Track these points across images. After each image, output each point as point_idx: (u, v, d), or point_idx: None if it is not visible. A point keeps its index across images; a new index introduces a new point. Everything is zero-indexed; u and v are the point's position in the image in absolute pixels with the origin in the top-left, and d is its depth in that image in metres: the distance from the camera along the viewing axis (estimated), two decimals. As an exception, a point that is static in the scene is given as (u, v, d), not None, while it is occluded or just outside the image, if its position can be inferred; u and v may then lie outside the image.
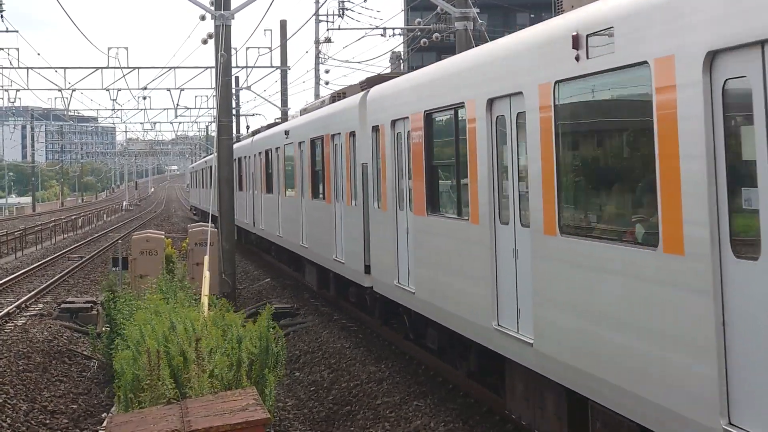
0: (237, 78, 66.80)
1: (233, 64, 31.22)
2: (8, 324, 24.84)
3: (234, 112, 59.06)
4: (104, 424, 13.83)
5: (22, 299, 29.06)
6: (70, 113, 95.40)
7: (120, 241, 31.60)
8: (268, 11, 32.85)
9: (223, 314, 14.93)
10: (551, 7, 65.39)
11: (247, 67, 56.90)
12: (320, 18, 50.70)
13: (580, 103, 10.11)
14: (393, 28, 45.11)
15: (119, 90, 62.58)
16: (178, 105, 68.59)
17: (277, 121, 40.23)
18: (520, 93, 11.10)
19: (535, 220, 10.90)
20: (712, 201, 7.69)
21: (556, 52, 10.09)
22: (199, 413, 10.21)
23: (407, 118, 15.72)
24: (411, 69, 18.86)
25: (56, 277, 35.76)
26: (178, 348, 12.17)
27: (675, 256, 8.16)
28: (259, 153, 34.72)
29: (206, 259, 21.45)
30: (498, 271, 12.26)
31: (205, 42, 31.25)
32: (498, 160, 12.13)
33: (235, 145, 35.57)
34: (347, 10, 46.84)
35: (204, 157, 47.30)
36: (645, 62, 8.43)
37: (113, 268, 24.71)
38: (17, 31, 54.44)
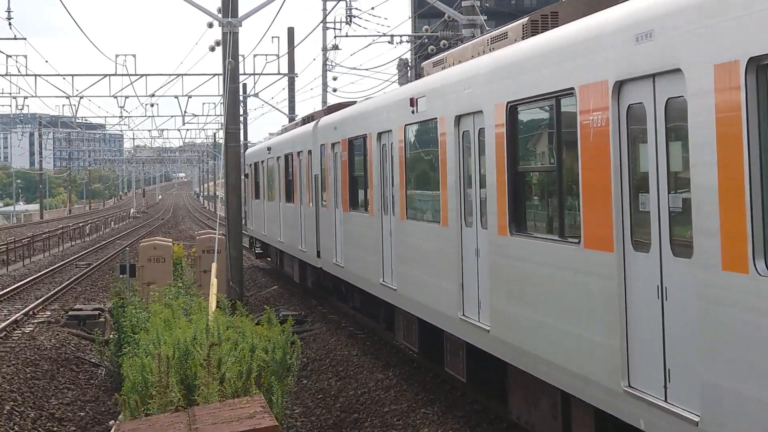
0: (245, 85, 66.91)
1: (241, 71, 31.27)
2: (16, 331, 24.86)
3: (241, 119, 59.11)
4: (112, 431, 13.81)
5: (30, 306, 29.08)
6: (77, 120, 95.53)
7: (128, 249, 31.63)
8: (275, 19, 32.74)
9: (241, 320, 14.95)
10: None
11: (254, 74, 57.02)
12: (327, 25, 50.77)
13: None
14: (401, 35, 45.17)
15: (127, 97, 62.79)
16: (185, 112, 68.57)
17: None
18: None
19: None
20: None
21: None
22: (207, 420, 10.20)
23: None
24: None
25: (64, 285, 35.78)
26: (197, 355, 12.14)
27: None
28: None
29: (214, 266, 21.48)
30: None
31: (212, 49, 31.29)
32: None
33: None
34: (355, 17, 46.85)
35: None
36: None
37: (121, 275, 24.74)
38: (25, 39, 54.08)
